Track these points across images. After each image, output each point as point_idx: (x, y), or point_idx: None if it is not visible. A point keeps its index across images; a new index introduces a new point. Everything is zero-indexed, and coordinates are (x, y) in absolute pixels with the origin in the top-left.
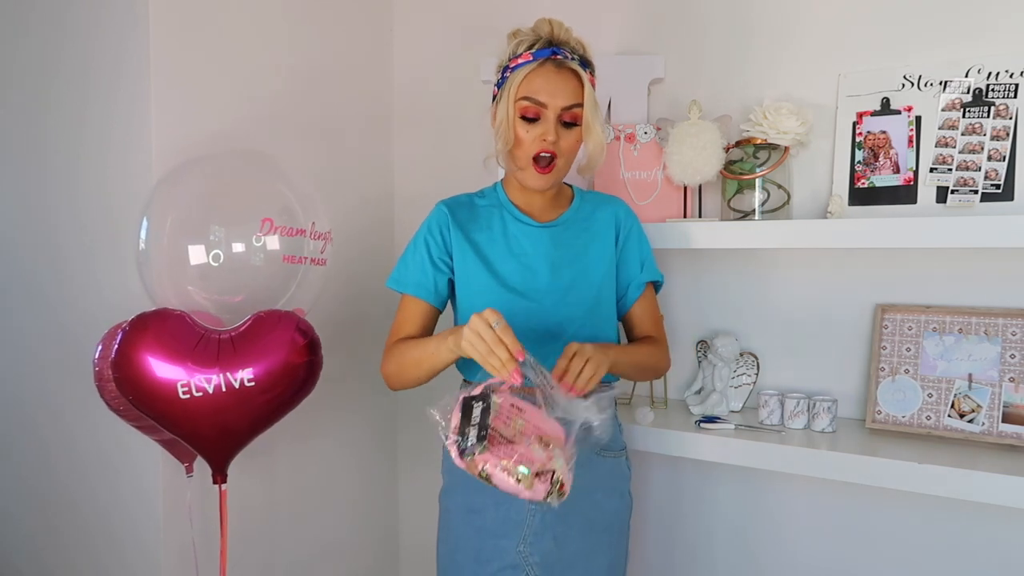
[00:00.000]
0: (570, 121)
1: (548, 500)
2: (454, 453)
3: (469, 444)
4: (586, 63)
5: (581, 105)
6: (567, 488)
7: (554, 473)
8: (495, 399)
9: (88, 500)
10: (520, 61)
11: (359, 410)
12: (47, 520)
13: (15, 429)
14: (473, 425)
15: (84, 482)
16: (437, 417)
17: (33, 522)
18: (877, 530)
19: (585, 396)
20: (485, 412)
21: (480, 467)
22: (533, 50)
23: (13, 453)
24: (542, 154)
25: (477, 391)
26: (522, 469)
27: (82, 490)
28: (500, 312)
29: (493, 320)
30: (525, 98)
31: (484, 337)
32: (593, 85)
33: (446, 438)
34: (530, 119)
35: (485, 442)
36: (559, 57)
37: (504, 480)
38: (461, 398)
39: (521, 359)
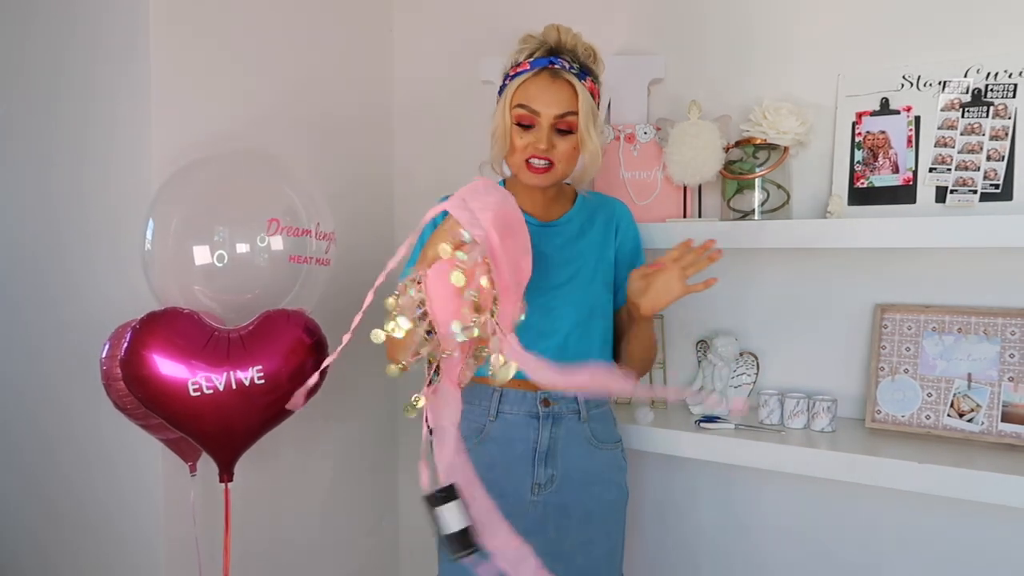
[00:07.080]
0: (565, 129)
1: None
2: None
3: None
4: (586, 72)
5: (575, 113)
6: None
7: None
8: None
9: (91, 497)
10: (519, 70)
11: (360, 410)
12: (51, 516)
13: (19, 427)
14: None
15: (87, 479)
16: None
17: (37, 518)
18: (876, 529)
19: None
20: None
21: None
22: (532, 59)
23: (17, 450)
24: (533, 159)
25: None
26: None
27: (86, 487)
28: None
29: None
30: (520, 106)
31: None
32: (594, 94)
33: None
34: (525, 126)
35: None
36: (555, 67)
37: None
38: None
39: None
